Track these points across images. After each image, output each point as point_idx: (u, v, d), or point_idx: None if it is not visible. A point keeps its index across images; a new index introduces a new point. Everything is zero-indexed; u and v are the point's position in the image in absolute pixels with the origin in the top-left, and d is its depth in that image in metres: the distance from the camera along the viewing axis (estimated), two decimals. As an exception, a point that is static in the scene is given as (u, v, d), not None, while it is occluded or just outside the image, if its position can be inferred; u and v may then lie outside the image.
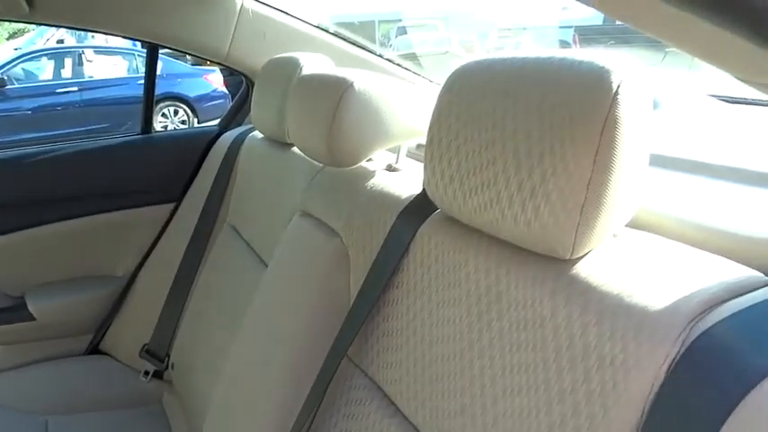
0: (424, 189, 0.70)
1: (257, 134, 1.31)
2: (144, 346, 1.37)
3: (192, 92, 7.73)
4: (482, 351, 0.55)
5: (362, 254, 0.77)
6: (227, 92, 7.91)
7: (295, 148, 1.10)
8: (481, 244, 0.58)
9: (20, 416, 1.20)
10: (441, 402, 0.59)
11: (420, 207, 0.70)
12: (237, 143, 1.35)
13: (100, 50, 8.42)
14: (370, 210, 0.78)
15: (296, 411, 0.76)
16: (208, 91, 7.80)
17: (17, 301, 1.39)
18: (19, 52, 8.16)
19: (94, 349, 1.47)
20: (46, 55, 8.17)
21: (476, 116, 0.54)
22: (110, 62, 8.20)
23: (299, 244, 0.91)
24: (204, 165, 1.45)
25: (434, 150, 0.59)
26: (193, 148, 1.48)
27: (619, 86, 0.45)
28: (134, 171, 1.44)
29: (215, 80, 7.95)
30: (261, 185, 1.17)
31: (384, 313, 0.70)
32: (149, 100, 1.51)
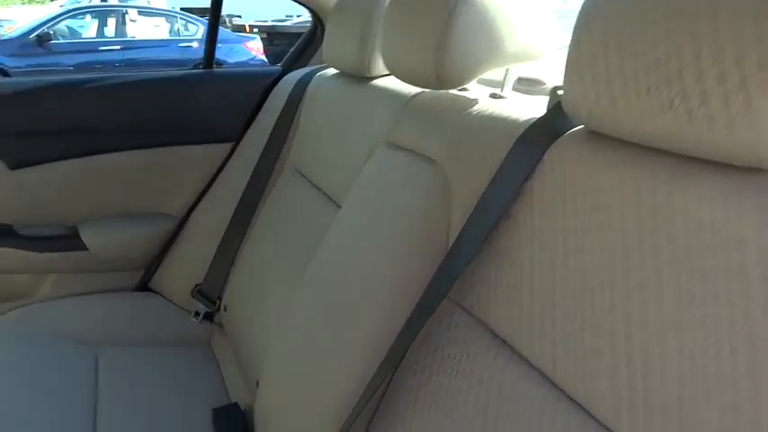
0: (547, 112, 0.62)
1: (327, 73, 1.23)
2: (196, 286, 1.31)
3: (230, 58, 7.68)
4: (645, 280, 0.46)
5: (468, 185, 0.69)
6: (265, 60, 7.86)
7: (375, 82, 1.03)
8: (643, 159, 0.50)
9: (71, 345, 1.16)
10: (576, 340, 0.51)
11: (542, 131, 0.62)
12: (303, 84, 1.27)
13: (143, 11, 8.43)
14: (479, 136, 0.70)
15: (381, 356, 0.69)
16: (246, 58, 7.76)
17: (71, 231, 1.35)
18: (64, 8, 8.23)
19: (144, 286, 1.43)
20: (90, 13, 8.22)
21: None
22: (152, 23, 8.22)
23: (386, 177, 0.84)
24: (265, 105, 1.38)
25: (583, 47, 0.50)
26: (255, 87, 1.41)
27: None
28: (193, 105, 1.38)
29: (254, 47, 7.92)
30: (332, 124, 1.09)
31: (497, 246, 0.62)
32: (213, 35, 1.44)
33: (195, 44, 7.68)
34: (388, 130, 0.88)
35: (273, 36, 9.47)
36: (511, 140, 0.64)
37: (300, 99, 1.25)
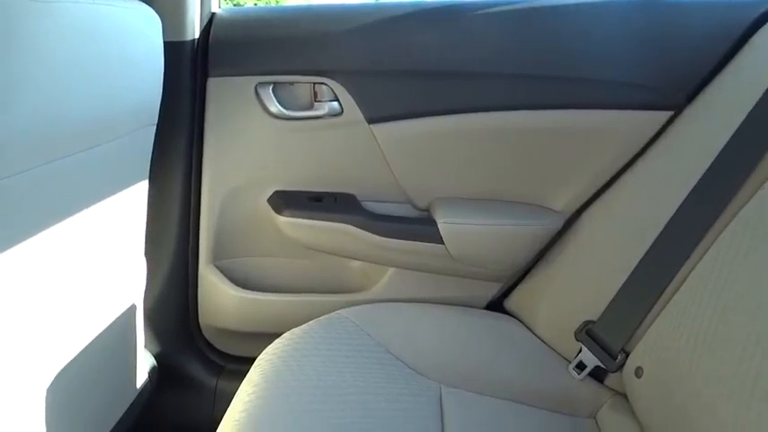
0: None
1: None
2: (585, 324, 0.87)
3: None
4: None
5: None
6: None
7: None
8: None
9: (411, 371, 0.83)
10: None
11: None
12: None
13: None
14: None
15: None
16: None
17: (423, 215, 1.03)
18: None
19: (498, 305, 1.04)
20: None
21: None
22: None
23: None
24: (742, 54, 0.86)
25: None
26: (725, 24, 0.89)
27: None
28: (619, 49, 0.92)
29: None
30: None
31: None
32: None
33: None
34: None
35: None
36: None
37: None
